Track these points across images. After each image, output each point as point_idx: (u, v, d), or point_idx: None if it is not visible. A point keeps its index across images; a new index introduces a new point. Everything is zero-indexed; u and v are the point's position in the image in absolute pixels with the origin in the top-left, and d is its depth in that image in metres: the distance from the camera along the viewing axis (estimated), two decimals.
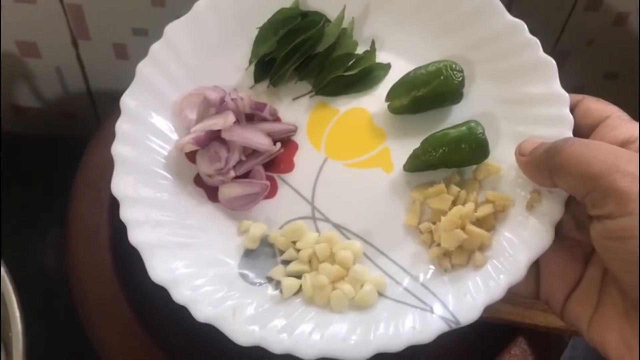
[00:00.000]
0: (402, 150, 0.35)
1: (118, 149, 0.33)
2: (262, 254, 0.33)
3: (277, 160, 0.35)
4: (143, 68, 0.35)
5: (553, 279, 0.31)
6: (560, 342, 0.37)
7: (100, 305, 0.36)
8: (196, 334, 0.44)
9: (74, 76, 0.57)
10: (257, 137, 0.35)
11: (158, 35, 0.53)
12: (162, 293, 0.44)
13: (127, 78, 0.54)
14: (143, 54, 0.54)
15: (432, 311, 0.30)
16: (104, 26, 0.53)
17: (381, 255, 0.33)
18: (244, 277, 0.33)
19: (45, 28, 0.53)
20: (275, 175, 0.35)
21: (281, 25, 0.37)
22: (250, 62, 0.37)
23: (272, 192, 0.35)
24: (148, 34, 0.53)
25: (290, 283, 0.32)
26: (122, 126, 0.34)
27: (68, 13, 0.52)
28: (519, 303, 0.37)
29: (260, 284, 0.32)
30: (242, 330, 0.30)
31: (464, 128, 0.33)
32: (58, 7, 0.51)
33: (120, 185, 0.32)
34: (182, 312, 0.45)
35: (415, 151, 0.34)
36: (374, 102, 0.36)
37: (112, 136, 0.39)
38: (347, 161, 0.35)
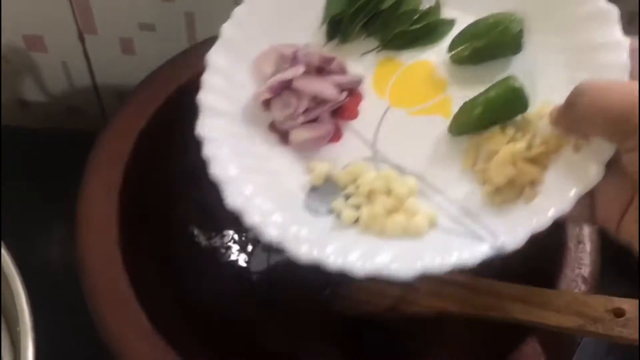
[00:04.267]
0: (463, 98, 0.36)
1: (203, 97, 0.36)
2: (326, 189, 0.36)
3: (343, 109, 0.38)
4: (227, 28, 0.38)
5: (607, 202, 0.31)
6: (572, 343, 0.36)
7: (110, 301, 0.36)
8: (206, 327, 0.45)
9: (80, 70, 0.57)
10: (324, 87, 0.38)
11: (165, 30, 0.53)
12: (172, 288, 0.45)
13: (134, 73, 0.54)
14: (150, 49, 0.54)
15: (479, 237, 0.33)
16: (110, 20, 0.52)
17: (435, 193, 0.35)
18: (309, 208, 0.36)
19: (51, 22, 0.53)
20: (340, 122, 0.38)
21: None
22: (323, 21, 0.40)
23: (337, 136, 0.38)
24: (155, 29, 0.53)
25: (349, 213, 0.35)
26: (207, 79, 0.37)
27: (75, 7, 0.51)
28: (532, 303, 0.37)
29: (323, 214, 0.35)
30: (303, 250, 0.33)
31: (497, 88, 0.35)
32: (65, 0, 0.51)
33: (205, 127, 0.36)
34: (192, 308, 0.45)
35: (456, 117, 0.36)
36: (437, 54, 0.38)
37: (120, 131, 0.39)
38: (409, 109, 0.38)
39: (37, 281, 0.42)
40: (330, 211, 0.36)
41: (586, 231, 0.40)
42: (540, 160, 0.33)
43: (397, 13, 0.39)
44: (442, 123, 0.36)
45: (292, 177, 0.37)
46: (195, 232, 0.49)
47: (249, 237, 0.50)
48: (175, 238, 0.47)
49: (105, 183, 0.39)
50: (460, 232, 0.33)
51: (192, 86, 0.43)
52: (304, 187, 0.36)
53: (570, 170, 0.32)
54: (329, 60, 0.38)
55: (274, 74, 0.38)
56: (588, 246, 0.39)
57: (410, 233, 0.34)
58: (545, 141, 0.33)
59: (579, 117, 0.30)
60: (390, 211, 0.35)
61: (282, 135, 0.38)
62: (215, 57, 0.37)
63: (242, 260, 0.50)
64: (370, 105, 0.38)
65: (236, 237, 0.50)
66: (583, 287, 0.38)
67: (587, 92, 0.29)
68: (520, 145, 0.33)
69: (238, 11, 0.38)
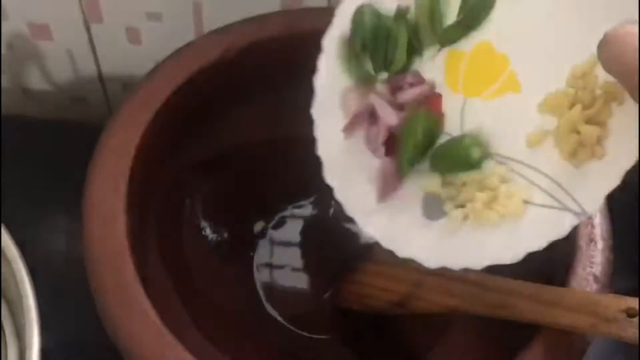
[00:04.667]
0: (526, 68, 0.37)
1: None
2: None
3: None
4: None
5: None
6: (583, 342, 0.36)
7: (117, 293, 0.35)
8: (211, 321, 0.44)
9: (85, 60, 0.56)
10: (387, 115, 0.39)
11: (172, 20, 0.53)
12: (180, 282, 0.44)
13: (140, 63, 0.54)
14: (156, 39, 0.54)
15: (567, 208, 0.34)
16: (117, 9, 0.52)
17: (525, 170, 0.36)
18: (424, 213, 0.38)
19: (57, 9, 0.52)
20: None
21: None
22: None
23: None
24: (162, 19, 0.52)
25: (455, 213, 0.37)
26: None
27: None
28: (542, 301, 0.36)
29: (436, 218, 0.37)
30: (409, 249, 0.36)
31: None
32: None
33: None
34: (198, 301, 0.45)
35: None
36: (491, 31, 0.38)
37: (128, 122, 0.39)
38: (482, 94, 0.38)
39: (40, 271, 0.41)
40: (443, 214, 0.37)
41: (598, 230, 0.39)
42: (602, 114, 0.33)
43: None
44: (514, 100, 0.37)
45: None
46: (203, 225, 0.49)
47: (256, 232, 0.50)
48: (182, 231, 0.47)
49: (113, 175, 0.39)
50: (552, 205, 0.34)
51: (200, 78, 0.44)
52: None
53: (633, 118, 0.32)
54: (399, 82, 0.39)
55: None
56: (600, 244, 0.39)
57: (509, 218, 0.35)
58: (604, 90, 0.33)
59: (606, 70, 0.29)
60: (488, 202, 0.36)
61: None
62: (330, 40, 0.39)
63: (248, 256, 0.50)
64: (448, 103, 0.38)
65: (244, 232, 0.50)
66: (595, 286, 0.37)
67: (606, 45, 0.29)
68: (576, 109, 0.33)
69: None
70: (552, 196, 0.35)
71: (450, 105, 0.39)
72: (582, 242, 0.39)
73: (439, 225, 0.37)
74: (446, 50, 0.39)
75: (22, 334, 0.38)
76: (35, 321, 0.37)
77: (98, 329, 0.36)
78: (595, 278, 0.38)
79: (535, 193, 0.35)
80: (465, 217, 0.37)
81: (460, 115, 0.38)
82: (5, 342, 0.41)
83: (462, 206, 0.37)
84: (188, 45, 0.45)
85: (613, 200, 0.38)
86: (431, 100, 0.39)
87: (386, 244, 0.37)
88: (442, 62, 0.39)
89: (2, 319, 0.42)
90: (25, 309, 0.38)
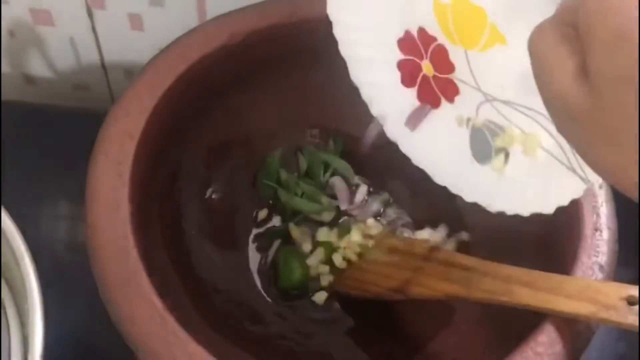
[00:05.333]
0: (505, 19, 0.38)
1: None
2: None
3: (440, 67, 0.38)
4: None
5: None
6: (587, 331, 0.36)
7: (121, 280, 0.35)
8: (217, 312, 0.44)
9: (87, 47, 0.56)
10: None
11: (175, 6, 0.52)
12: (183, 269, 0.44)
13: (142, 50, 0.53)
14: (159, 25, 0.54)
15: (573, 169, 0.35)
16: None
17: (542, 118, 0.37)
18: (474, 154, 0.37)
19: None
20: (446, 78, 0.38)
21: None
22: None
23: (451, 92, 0.38)
24: (164, 5, 0.52)
25: (497, 162, 0.37)
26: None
27: None
28: (542, 288, 0.36)
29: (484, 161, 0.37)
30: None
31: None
32: None
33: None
34: (201, 288, 0.45)
35: None
36: None
37: (128, 109, 0.38)
38: (476, 47, 0.39)
39: (43, 258, 0.41)
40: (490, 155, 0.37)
41: (603, 219, 0.39)
42: None
43: None
44: (504, 51, 0.38)
45: None
46: (206, 212, 0.49)
47: (258, 219, 0.50)
48: (185, 218, 0.47)
49: (116, 162, 0.39)
50: (562, 161, 0.36)
51: (203, 64, 0.44)
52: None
53: None
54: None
55: None
56: (605, 234, 0.39)
57: (537, 168, 0.36)
58: None
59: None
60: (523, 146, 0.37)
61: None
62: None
63: (250, 241, 0.50)
64: (453, 55, 0.38)
65: (246, 218, 0.50)
66: (600, 276, 0.37)
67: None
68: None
69: None
70: (562, 149, 0.36)
71: (455, 57, 0.38)
72: (588, 231, 0.39)
73: (488, 170, 0.37)
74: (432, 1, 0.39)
75: (25, 319, 0.38)
76: (39, 307, 0.37)
77: (100, 312, 0.36)
78: (601, 267, 0.38)
79: (551, 147, 0.36)
80: (506, 161, 0.37)
81: (468, 67, 0.38)
82: (8, 324, 0.41)
83: (503, 149, 0.37)
84: (191, 32, 0.45)
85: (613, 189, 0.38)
86: (439, 52, 0.38)
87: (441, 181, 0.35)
88: (434, 15, 0.38)
89: (3, 300, 0.42)
90: (28, 291, 0.37)
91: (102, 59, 0.58)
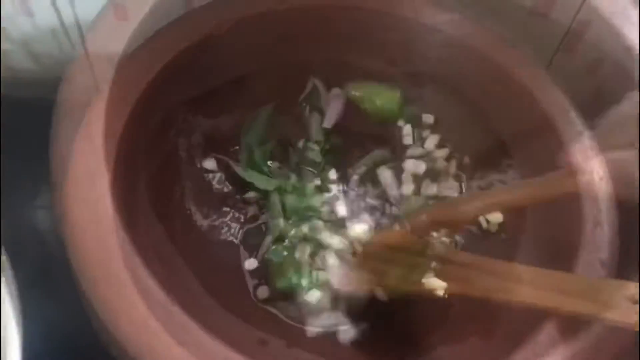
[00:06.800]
0: None
1: None
2: None
3: None
4: None
5: None
6: (589, 330, 0.35)
7: (98, 263, 0.34)
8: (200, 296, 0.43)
9: (70, 38, 0.55)
10: None
11: None
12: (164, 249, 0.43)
13: (127, 40, 0.52)
14: (144, 14, 0.52)
15: None
16: None
17: None
18: None
19: None
20: None
21: None
22: None
23: None
24: None
25: None
26: None
27: None
28: (541, 286, 0.36)
29: None
30: None
31: None
32: None
33: None
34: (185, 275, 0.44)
35: None
36: None
37: (116, 100, 0.38)
38: None
39: (24, 252, 0.40)
40: None
41: (604, 214, 0.38)
42: None
43: None
44: None
45: None
46: (193, 203, 0.48)
47: (247, 212, 0.50)
48: (172, 207, 0.46)
49: (98, 153, 0.38)
50: None
51: (189, 54, 0.43)
52: None
53: None
54: None
55: None
56: (606, 229, 0.38)
57: None
58: None
59: None
60: None
61: None
62: None
63: (238, 237, 0.49)
64: None
65: (234, 210, 0.49)
66: (602, 272, 0.37)
67: None
68: None
69: None
70: None
71: None
72: (588, 226, 0.38)
73: None
74: None
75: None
76: (16, 296, 0.35)
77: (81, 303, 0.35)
78: (602, 263, 0.37)
79: None
80: None
81: None
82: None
83: None
84: (177, 20, 0.44)
85: None
86: None
87: None
88: None
89: None
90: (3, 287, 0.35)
91: (85, 50, 0.56)
